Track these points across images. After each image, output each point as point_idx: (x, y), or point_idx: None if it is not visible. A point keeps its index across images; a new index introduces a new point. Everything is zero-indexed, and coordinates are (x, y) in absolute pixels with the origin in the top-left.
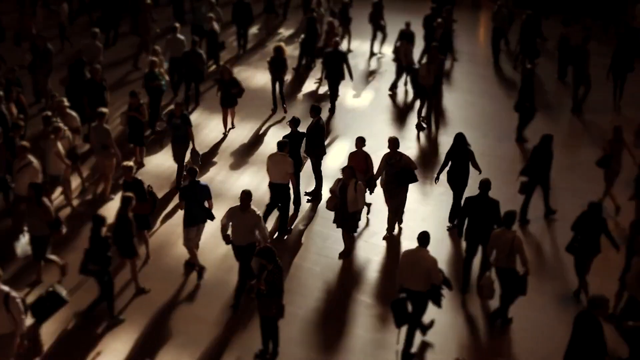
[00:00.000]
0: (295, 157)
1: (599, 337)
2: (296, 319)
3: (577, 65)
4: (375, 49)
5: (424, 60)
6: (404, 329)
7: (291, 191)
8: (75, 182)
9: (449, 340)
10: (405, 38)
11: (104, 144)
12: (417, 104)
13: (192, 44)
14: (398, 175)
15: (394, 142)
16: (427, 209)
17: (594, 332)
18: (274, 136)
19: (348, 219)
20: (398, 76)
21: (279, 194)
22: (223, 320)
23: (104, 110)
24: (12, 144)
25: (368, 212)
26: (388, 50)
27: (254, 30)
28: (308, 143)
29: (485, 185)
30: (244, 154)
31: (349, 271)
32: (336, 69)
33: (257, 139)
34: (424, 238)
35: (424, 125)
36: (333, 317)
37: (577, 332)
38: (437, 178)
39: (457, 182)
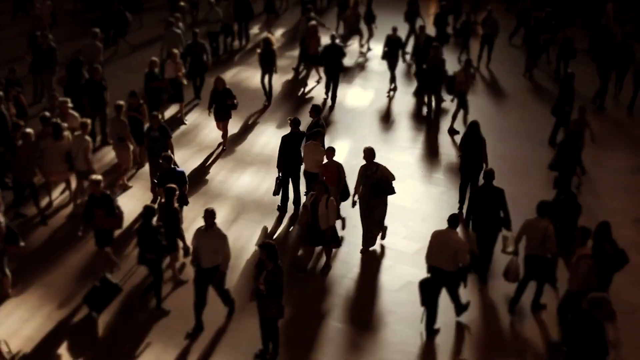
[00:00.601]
0: (295, 157)
1: (599, 337)
2: (296, 318)
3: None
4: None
5: (461, 67)
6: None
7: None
8: (74, 182)
9: (449, 340)
10: (393, 44)
11: (120, 136)
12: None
13: (193, 35)
14: (374, 187)
15: (369, 153)
16: (427, 209)
17: (594, 332)
18: (274, 136)
19: (320, 235)
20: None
21: (311, 181)
22: (223, 320)
23: (121, 103)
24: (12, 145)
25: (343, 228)
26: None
27: (254, 30)
28: None
29: (489, 175)
30: (244, 154)
31: (349, 271)
32: (335, 62)
33: (257, 139)
34: (454, 220)
35: (457, 130)
36: (333, 317)
37: (577, 332)
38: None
39: (468, 169)
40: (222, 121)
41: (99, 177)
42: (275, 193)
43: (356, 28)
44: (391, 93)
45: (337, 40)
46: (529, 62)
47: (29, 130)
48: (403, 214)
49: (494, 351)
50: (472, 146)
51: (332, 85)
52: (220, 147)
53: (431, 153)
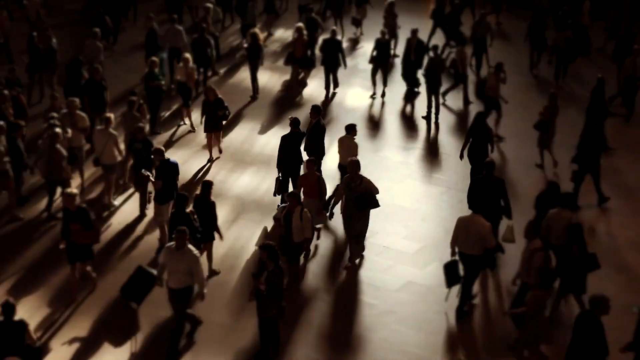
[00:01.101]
0: (295, 157)
1: (599, 337)
2: (296, 319)
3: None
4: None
5: (491, 71)
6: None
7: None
8: (75, 182)
9: (449, 340)
10: (382, 48)
11: (132, 130)
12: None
13: (200, 30)
14: (358, 199)
15: (354, 165)
16: (427, 209)
17: (594, 332)
18: (274, 136)
19: (293, 248)
20: (459, 85)
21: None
22: (222, 321)
23: (134, 98)
24: (13, 145)
25: (317, 238)
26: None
27: (254, 30)
28: (308, 143)
29: (489, 165)
30: (244, 154)
31: (349, 271)
32: (333, 56)
33: (257, 139)
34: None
35: (501, 136)
36: (333, 317)
37: (577, 332)
38: (462, 155)
39: (476, 158)
40: (213, 132)
41: (74, 190)
42: (276, 193)
43: (393, 31)
44: (385, 95)
45: (338, 36)
46: (533, 58)
47: (58, 130)
48: (403, 214)
49: (494, 351)
50: (478, 135)
51: (331, 78)
52: (217, 155)
53: (431, 153)
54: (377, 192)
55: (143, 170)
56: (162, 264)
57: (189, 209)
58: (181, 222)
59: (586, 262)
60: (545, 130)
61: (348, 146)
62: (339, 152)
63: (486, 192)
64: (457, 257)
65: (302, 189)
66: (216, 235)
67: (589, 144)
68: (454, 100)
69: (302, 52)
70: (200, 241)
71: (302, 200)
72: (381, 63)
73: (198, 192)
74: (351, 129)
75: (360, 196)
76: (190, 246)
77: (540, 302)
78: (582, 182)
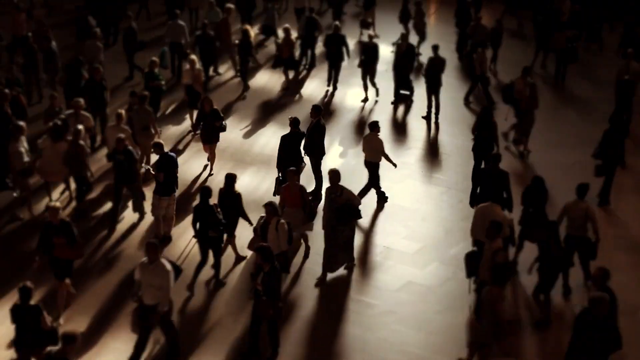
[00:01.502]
0: (295, 157)
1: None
2: (296, 319)
3: None
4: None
5: (491, 68)
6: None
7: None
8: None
9: (449, 340)
10: (367, 51)
11: (145, 125)
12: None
13: (202, 27)
14: (339, 211)
15: (334, 175)
16: (427, 209)
17: (594, 331)
18: (274, 136)
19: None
20: (473, 86)
21: (371, 170)
22: (222, 321)
23: (146, 93)
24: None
25: (306, 256)
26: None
27: (254, 30)
28: (308, 143)
29: (496, 157)
30: (244, 154)
31: (349, 271)
32: (336, 51)
33: (257, 139)
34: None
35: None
36: (333, 317)
37: (577, 332)
38: (473, 131)
39: (480, 153)
40: (209, 144)
41: (57, 204)
42: (275, 193)
43: (422, 30)
44: (368, 101)
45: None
46: (537, 58)
47: (80, 127)
48: (403, 214)
49: (493, 351)
50: (485, 130)
51: (333, 74)
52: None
53: (431, 153)
54: (359, 204)
55: (143, 164)
56: (137, 280)
57: (213, 202)
58: (205, 215)
59: (563, 260)
60: (520, 119)
61: (373, 143)
62: (364, 150)
63: (490, 183)
64: (476, 248)
65: (285, 200)
66: (245, 222)
67: (611, 138)
68: (453, 100)
69: (289, 53)
70: (223, 234)
71: (285, 210)
72: (368, 67)
73: (222, 186)
74: (374, 126)
75: (340, 208)
76: (162, 260)
77: (495, 298)
78: (613, 174)
